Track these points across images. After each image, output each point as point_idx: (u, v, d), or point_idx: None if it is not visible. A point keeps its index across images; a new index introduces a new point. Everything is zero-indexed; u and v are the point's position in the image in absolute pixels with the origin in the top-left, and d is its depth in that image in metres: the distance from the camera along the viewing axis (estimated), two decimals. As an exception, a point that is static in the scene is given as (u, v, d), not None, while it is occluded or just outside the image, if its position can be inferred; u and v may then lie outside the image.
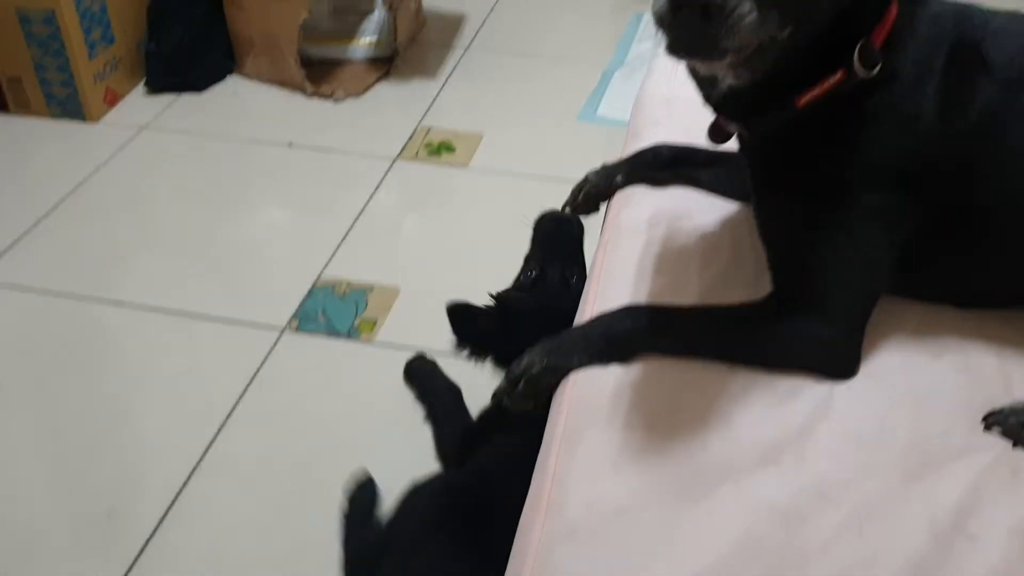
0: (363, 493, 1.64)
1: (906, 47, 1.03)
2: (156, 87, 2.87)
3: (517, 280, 1.59)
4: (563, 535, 0.92)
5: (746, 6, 0.86)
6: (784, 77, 1.02)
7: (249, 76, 2.96)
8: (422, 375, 1.86)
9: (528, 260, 1.60)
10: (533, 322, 1.19)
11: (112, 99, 2.82)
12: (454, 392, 1.77)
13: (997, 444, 1.01)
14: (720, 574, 0.89)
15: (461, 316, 1.46)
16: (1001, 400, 1.05)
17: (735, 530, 0.92)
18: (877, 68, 1.01)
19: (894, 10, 1.03)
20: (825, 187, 1.07)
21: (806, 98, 1.03)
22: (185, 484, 1.71)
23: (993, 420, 1.04)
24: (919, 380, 1.09)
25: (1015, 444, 1.02)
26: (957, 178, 1.06)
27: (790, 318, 1.10)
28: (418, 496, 1.45)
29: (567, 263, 1.58)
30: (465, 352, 1.47)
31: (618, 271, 1.27)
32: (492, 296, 1.54)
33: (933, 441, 1.01)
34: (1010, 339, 1.13)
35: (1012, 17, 1.10)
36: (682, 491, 0.96)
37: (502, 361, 1.45)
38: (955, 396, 1.06)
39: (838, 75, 1.01)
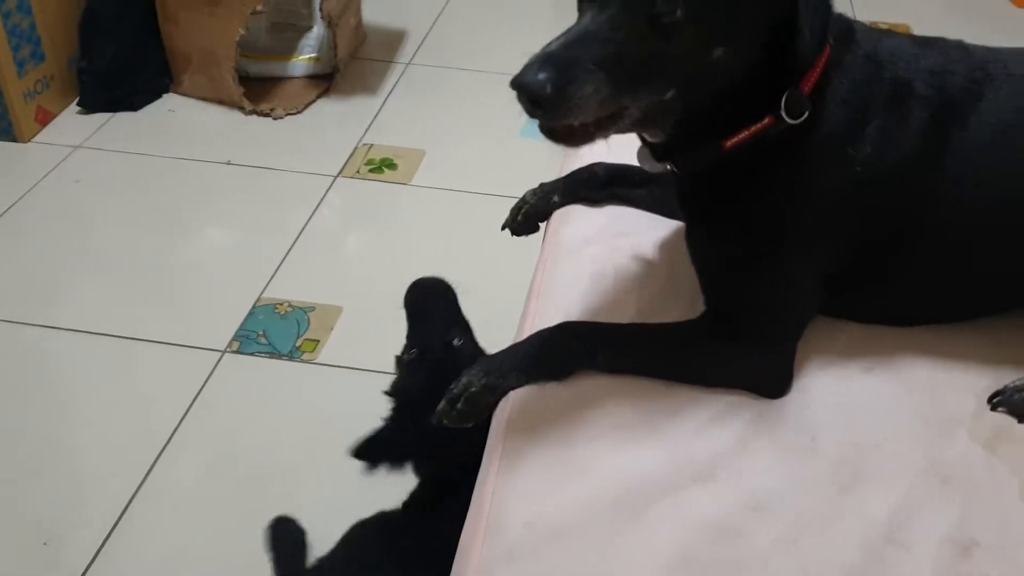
0: (285, 533, 1.60)
1: (837, 92, 1.05)
2: (90, 106, 2.83)
3: (400, 363, 1.56)
4: (502, 557, 0.92)
5: (587, 88, 0.88)
6: (708, 124, 1.04)
7: (186, 94, 2.93)
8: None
9: (407, 339, 1.56)
10: (432, 401, 1.20)
11: (44, 118, 2.77)
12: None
13: (927, 453, 1.03)
14: (658, 591, 0.89)
15: (369, 451, 1.43)
16: (928, 409, 1.08)
17: (672, 547, 0.93)
18: (805, 115, 1.02)
19: (826, 55, 1.04)
20: (754, 223, 1.09)
21: (733, 141, 1.04)
22: (124, 511, 1.68)
23: (999, 400, 1.08)
24: (851, 394, 1.11)
25: (1020, 420, 1.06)
26: (887, 213, 1.09)
27: (724, 338, 1.12)
28: (356, 532, 1.44)
29: (446, 327, 1.53)
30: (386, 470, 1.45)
31: (557, 289, 1.28)
32: (385, 393, 1.52)
33: (865, 453, 1.03)
34: (940, 350, 1.15)
35: (943, 52, 1.12)
36: (620, 509, 0.97)
37: (421, 467, 1.44)
38: (886, 408, 1.09)
39: (765, 121, 1.03)
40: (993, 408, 1.08)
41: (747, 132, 1.03)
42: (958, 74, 1.09)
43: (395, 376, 1.52)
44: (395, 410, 1.47)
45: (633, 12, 0.91)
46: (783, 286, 1.11)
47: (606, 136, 0.98)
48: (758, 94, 1.02)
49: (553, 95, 0.87)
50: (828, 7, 1.04)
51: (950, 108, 1.07)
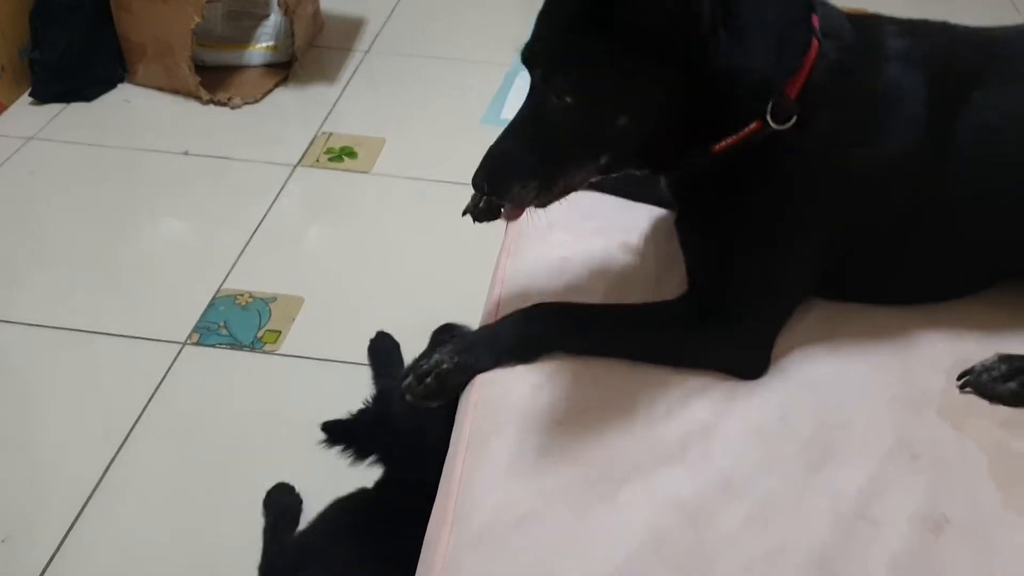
0: (284, 502, 1.61)
1: (831, 90, 1.04)
2: (42, 97, 2.76)
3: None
4: (471, 543, 0.91)
5: (515, 187, 1.01)
6: (679, 149, 1.05)
7: (141, 83, 2.87)
8: (382, 356, 1.81)
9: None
10: (410, 417, 1.19)
11: (-5, 110, 2.70)
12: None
13: (896, 430, 1.03)
14: (628, 574, 0.88)
15: (338, 434, 1.42)
16: (898, 387, 1.08)
17: (642, 528, 0.93)
18: (792, 120, 1.01)
19: (813, 54, 1.03)
20: (747, 215, 1.09)
21: (721, 146, 1.03)
22: (84, 507, 1.64)
23: (966, 380, 1.09)
24: (819, 373, 1.11)
25: (991, 401, 1.07)
26: (892, 203, 1.10)
27: (704, 319, 1.12)
28: (331, 511, 1.42)
29: None
30: (346, 455, 1.43)
31: (522, 275, 1.27)
32: (375, 392, 1.51)
33: (834, 432, 1.03)
34: (907, 329, 1.16)
35: (933, 36, 1.13)
36: (589, 492, 0.96)
37: (385, 458, 1.42)
38: (855, 386, 1.09)
39: (752, 126, 1.02)
40: (961, 388, 1.09)
41: (734, 138, 1.03)
42: (956, 58, 1.10)
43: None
44: (373, 407, 1.45)
45: (539, 103, 1.01)
46: (773, 274, 1.12)
47: (574, 190, 1.07)
48: (730, 108, 1.02)
49: (495, 193, 1.03)
50: (783, 10, 1.04)
51: (952, 95, 1.08)
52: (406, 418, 1.36)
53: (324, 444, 1.39)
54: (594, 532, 0.92)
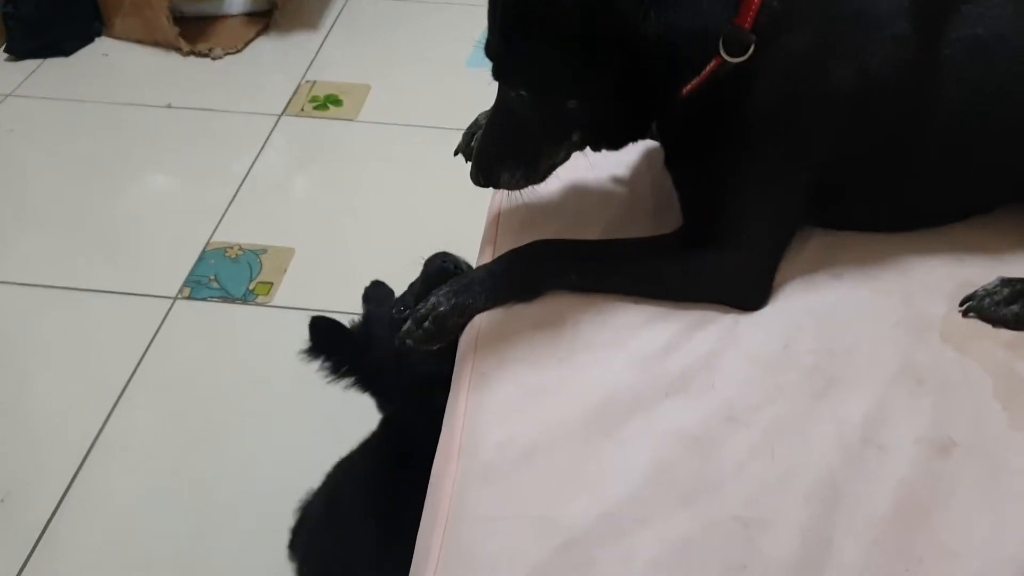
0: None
1: (786, 16, 1.02)
2: (18, 53, 2.71)
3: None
4: (477, 478, 0.90)
5: (504, 176, 1.11)
6: (647, 102, 1.08)
7: (119, 37, 2.82)
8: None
9: (407, 294, 1.52)
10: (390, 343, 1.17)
11: (-29, 67, 2.65)
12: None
13: (900, 355, 1.02)
14: (634, 504, 0.88)
15: (322, 330, 1.40)
16: (900, 312, 1.07)
17: (647, 460, 0.92)
18: (751, 50, 1.01)
19: None
20: (729, 150, 1.08)
21: (688, 89, 1.04)
22: (82, 465, 1.64)
23: (969, 305, 1.08)
24: (821, 301, 1.09)
25: (994, 324, 1.06)
26: (885, 121, 1.08)
27: (701, 251, 1.10)
28: (334, 473, 1.41)
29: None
30: (322, 364, 1.41)
31: (517, 214, 1.25)
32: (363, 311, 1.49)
33: (838, 359, 1.02)
34: (907, 254, 1.14)
35: None
36: (592, 426, 0.95)
37: (361, 381, 1.40)
38: (857, 313, 1.08)
39: (712, 64, 1.02)
40: (964, 314, 1.08)
41: (698, 79, 1.04)
42: None
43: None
44: (362, 326, 1.44)
45: (503, 97, 1.10)
46: (763, 203, 1.10)
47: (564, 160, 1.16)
48: (678, 61, 1.03)
49: (489, 184, 1.14)
50: None
51: (938, 9, 1.05)
52: (387, 343, 1.33)
53: (307, 351, 1.38)
54: (599, 465, 0.92)
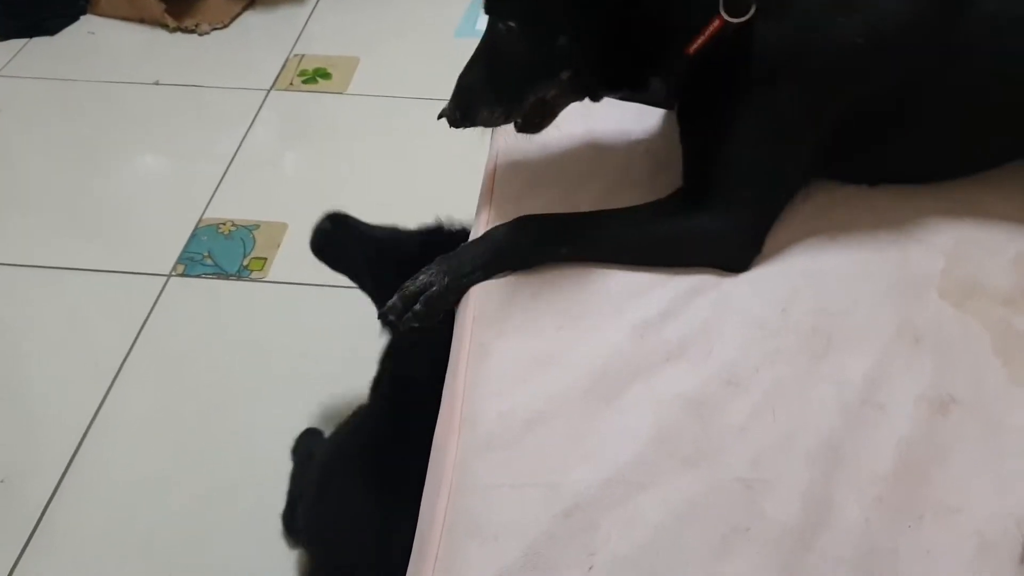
0: (308, 446, 1.56)
1: None
2: (2, 33, 2.68)
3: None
4: (479, 448, 0.90)
5: (483, 112, 1.11)
6: (650, 53, 1.08)
7: (104, 14, 2.79)
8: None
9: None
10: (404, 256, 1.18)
11: (-46, 48, 2.62)
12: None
13: (899, 314, 1.02)
14: (637, 469, 0.88)
15: (337, 233, 1.41)
16: (898, 271, 1.07)
17: (649, 425, 0.92)
18: (751, 11, 1.01)
19: None
20: (736, 100, 1.08)
21: (694, 47, 1.05)
22: (80, 445, 1.64)
23: None
24: (818, 263, 1.09)
25: None
26: (897, 77, 1.08)
27: (686, 214, 1.10)
28: (327, 442, 1.41)
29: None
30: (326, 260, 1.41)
31: (512, 182, 1.24)
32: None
33: (836, 320, 1.02)
34: (902, 213, 1.14)
35: None
36: (593, 393, 0.95)
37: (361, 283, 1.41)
38: (854, 273, 1.07)
39: (715, 24, 1.03)
40: None
41: (702, 38, 1.04)
42: None
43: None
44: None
45: (492, 30, 1.09)
46: (762, 163, 1.10)
47: (555, 112, 1.17)
48: (674, 17, 1.04)
49: (465, 122, 1.13)
50: None
51: None
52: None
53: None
54: (601, 433, 0.92)
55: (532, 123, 1.18)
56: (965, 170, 1.18)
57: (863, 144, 1.13)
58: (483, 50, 1.12)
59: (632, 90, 1.16)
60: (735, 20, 1.02)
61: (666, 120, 1.28)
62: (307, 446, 1.56)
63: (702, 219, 1.09)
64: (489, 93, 1.11)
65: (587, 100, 1.18)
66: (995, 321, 1.01)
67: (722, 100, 1.08)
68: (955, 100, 1.10)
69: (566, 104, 1.17)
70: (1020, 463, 0.89)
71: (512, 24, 1.06)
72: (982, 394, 0.95)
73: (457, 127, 1.14)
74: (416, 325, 1.09)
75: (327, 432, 1.53)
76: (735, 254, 1.09)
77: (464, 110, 1.12)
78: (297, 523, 1.44)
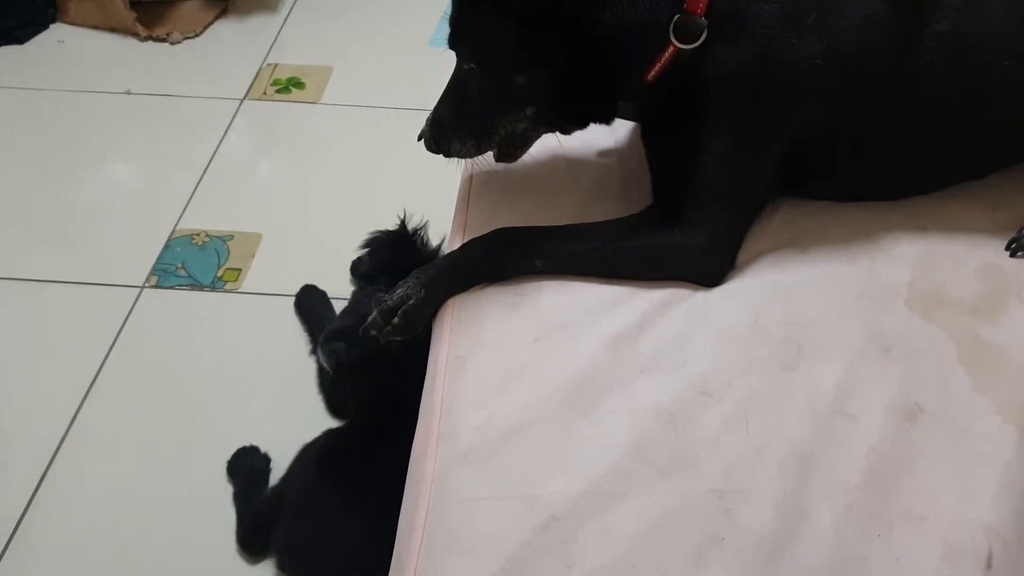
0: (248, 463, 1.57)
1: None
2: (-31, 41, 2.66)
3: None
4: (457, 461, 0.91)
5: (455, 145, 1.15)
6: (609, 83, 1.10)
7: (75, 23, 2.76)
8: (309, 307, 1.80)
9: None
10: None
11: (-78, 58, 2.59)
12: None
13: (867, 325, 1.04)
14: (614, 480, 0.90)
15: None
16: (866, 282, 1.09)
17: (624, 437, 0.93)
18: (702, 37, 1.03)
19: None
20: (697, 122, 1.09)
21: (652, 73, 1.07)
22: (53, 458, 1.62)
23: (1016, 245, 1.11)
24: (788, 274, 1.11)
25: None
26: (856, 97, 1.09)
27: (659, 230, 1.12)
28: (306, 454, 1.42)
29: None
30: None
31: (487, 195, 1.26)
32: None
33: (807, 331, 1.04)
34: (871, 225, 1.16)
35: None
36: (569, 405, 0.97)
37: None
38: (824, 285, 1.09)
39: (670, 51, 1.05)
40: (1012, 254, 1.11)
41: (659, 65, 1.06)
42: None
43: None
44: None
45: (458, 69, 1.14)
46: (725, 182, 1.11)
47: (528, 143, 1.21)
48: (631, 42, 1.05)
49: (440, 151, 1.17)
50: None
51: None
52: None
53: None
54: (577, 444, 0.93)
55: (506, 154, 1.22)
56: (931, 187, 1.20)
57: (828, 163, 1.15)
58: (452, 86, 1.16)
59: (603, 122, 1.17)
60: (686, 47, 1.04)
61: (637, 133, 1.30)
62: (244, 465, 1.56)
63: (676, 235, 1.10)
64: (460, 127, 1.15)
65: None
66: (961, 331, 1.04)
67: (685, 123, 1.10)
68: (917, 119, 1.12)
69: (538, 136, 1.20)
70: (985, 470, 0.91)
71: (473, 65, 1.10)
72: (948, 403, 0.97)
73: (435, 153, 1.18)
74: (398, 338, 1.10)
75: (264, 449, 1.57)
76: (709, 270, 1.11)
77: (438, 141, 1.17)
78: (257, 542, 1.45)
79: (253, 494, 1.51)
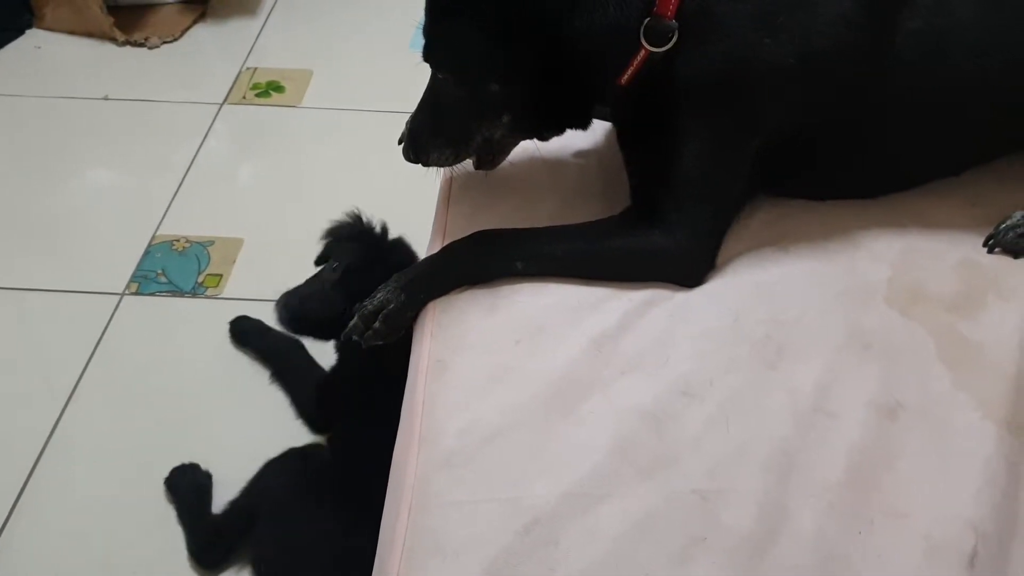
0: (190, 479, 1.57)
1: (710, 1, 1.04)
2: (-56, 48, 2.63)
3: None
4: (439, 465, 0.91)
5: (433, 154, 1.16)
6: (584, 89, 1.11)
7: (51, 28, 2.75)
8: (254, 335, 1.80)
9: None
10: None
11: None
12: (296, 346, 1.72)
13: (847, 322, 1.04)
14: (596, 481, 0.90)
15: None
16: (844, 280, 1.09)
17: (607, 437, 0.93)
18: (673, 39, 1.03)
19: None
20: (672, 125, 1.10)
21: (626, 78, 1.08)
22: (34, 467, 1.61)
23: (993, 241, 1.12)
24: (768, 274, 1.12)
25: (1016, 256, 1.11)
26: (832, 97, 1.10)
27: (639, 231, 1.12)
28: (278, 464, 1.42)
29: None
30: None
31: (467, 198, 1.25)
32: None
33: (787, 329, 1.04)
34: (849, 223, 1.17)
35: None
36: (551, 407, 0.97)
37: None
38: (804, 283, 1.10)
39: (641, 55, 1.05)
40: (990, 250, 1.12)
41: (632, 68, 1.07)
42: None
43: None
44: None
45: (432, 79, 1.15)
46: (703, 183, 1.11)
47: (506, 150, 1.22)
48: (602, 47, 1.06)
49: (418, 160, 1.18)
50: None
51: None
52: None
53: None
54: (559, 446, 0.93)
55: (485, 161, 1.22)
56: (908, 184, 1.21)
57: (804, 161, 1.15)
58: (428, 95, 1.17)
59: (579, 127, 1.18)
60: (657, 50, 1.04)
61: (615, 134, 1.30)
62: (186, 481, 1.56)
63: (655, 236, 1.10)
64: (437, 136, 1.16)
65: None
66: (940, 327, 1.04)
67: (661, 125, 1.11)
68: (891, 116, 1.13)
69: (516, 143, 1.21)
70: (964, 466, 0.92)
71: (445, 75, 1.11)
72: (928, 399, 0.97)
73: (413, 163, 1.19)
74: (380, 343, 1.10)
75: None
76: (690, 270, 1.11)
77: (416, 151, 1.17)
78: (214, 555, 1.45)
79: (203, 509, 1.50)
